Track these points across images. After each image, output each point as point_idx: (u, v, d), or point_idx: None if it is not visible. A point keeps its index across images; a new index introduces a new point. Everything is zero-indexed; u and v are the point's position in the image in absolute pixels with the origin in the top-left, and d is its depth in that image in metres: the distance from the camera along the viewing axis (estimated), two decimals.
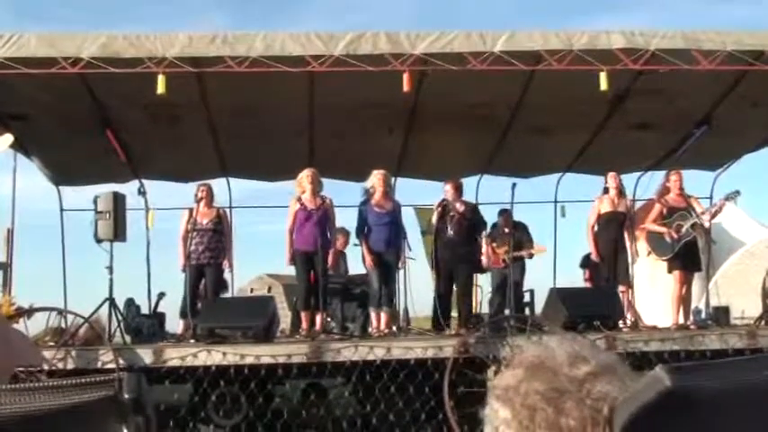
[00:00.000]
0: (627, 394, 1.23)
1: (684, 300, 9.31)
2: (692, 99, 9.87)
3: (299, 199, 8.87)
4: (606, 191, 9.75)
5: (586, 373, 1.26)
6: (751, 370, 1.29)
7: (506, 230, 10.79)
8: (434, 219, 9.21)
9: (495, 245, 10.86)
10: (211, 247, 9.28)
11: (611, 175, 9.71)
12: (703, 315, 10.10)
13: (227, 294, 10.76)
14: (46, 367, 7.10)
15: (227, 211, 10.54)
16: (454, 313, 9.56)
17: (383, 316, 8.90)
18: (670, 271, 9.31)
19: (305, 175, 8.89)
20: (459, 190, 9.46)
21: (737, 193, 9.45)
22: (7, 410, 1.08)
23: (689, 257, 9.29)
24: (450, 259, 9.11)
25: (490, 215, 12.68)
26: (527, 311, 10.72)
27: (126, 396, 1.13)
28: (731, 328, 9.04)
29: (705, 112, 10.33)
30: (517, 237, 10.65)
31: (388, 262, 8.99)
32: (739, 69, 8.71)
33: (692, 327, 8.87)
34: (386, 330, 8.76)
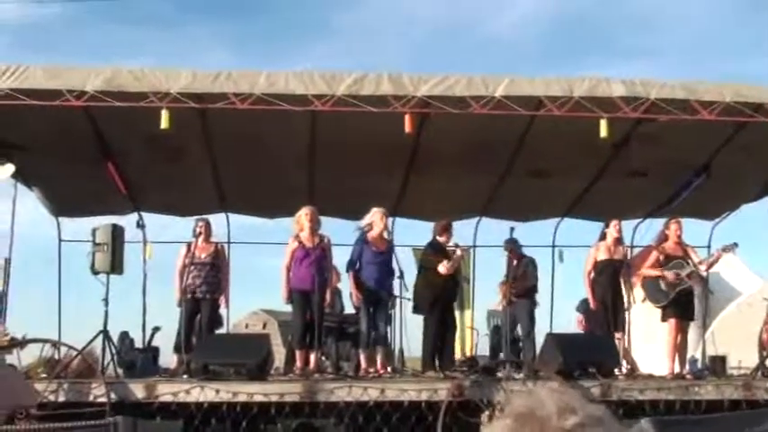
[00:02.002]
0: None
1: (679, 348, 9.27)
2: (692, 148, 9.93)
3: (298, 237, 8.89)
4: (603, 236, 9.76)
5: (574, 425, 1.27)
6: (734, 426, 1.31)
7: (514, 263, 10.23)
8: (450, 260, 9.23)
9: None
10: (208, 281, 9.28)
11: (613, 223, 9.73)
12: (699, 365, 10.06)
13: (222, 330, 10.71)
14: (38, 400, 7.05)
15: (225, 246, 10.55)
16: None
17: (378, 357, 8.87)
18: (664, 319, 9.29)
19: (303, 214, 8.91)
20: None
21: (735, 245, 9.49)
22: None
23: (683, 306, 9.27)
24: (449, 299, 9.18)
25: (487, 257, 12.74)
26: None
27: None
28: (727, 378, 8.99)
29: (704, 161, 10.39)
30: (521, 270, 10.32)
31: (379, 301, 8.98)
32: (738, 121, 8.78)
33: (687, 376, 8.83)
34: (381, 371, 8.72)
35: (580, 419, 1.28)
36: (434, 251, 9.48)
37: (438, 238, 9.53)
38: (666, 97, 8.30)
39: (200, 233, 9.29)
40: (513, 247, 10.16)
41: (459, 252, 9.29)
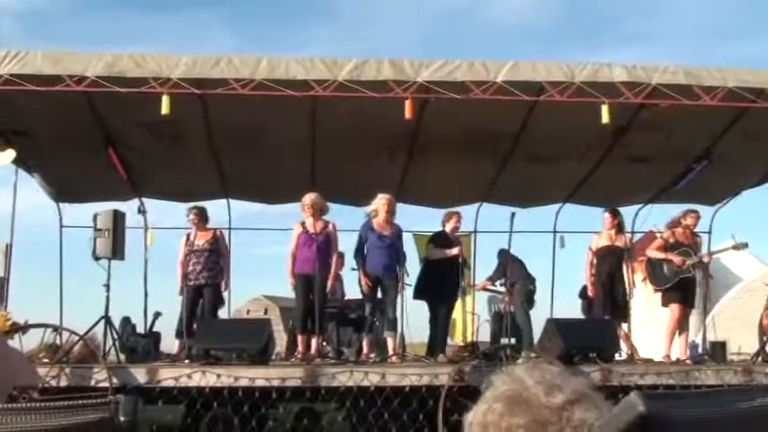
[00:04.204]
0: (603, 420, 1.24)
1: (677, 334, 9.27)
2: (693, 133, 9.91)
3: (303, 223, 8.90)
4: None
5: (564, 402, 1.27)
6: (722, 401, 1.31)
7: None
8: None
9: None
10: (209, 267, 9.29)
11: (605, 216, 9.78)
12: (700, 350, 10.08)
13: (224, 314, 10.73)
14: (39, 384, 7.07)
15: (226, 232, 10.55)
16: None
17: (389, 342, 8.89)
18: (665, 304, 9.32)
19: (308, 199, 8.90)
20: None
21: (745, 245, 9.54)
22: (7, 430, 1.09)
23: (685, 293, 9.28)
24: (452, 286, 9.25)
25: (489, 244, 12.74)
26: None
27: (122, 419, 1.14)
28: (727, 363, 9.01)
29: (705, 147, 10.35)
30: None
31: (386, 286, 8.99)
32: (740, 106, 8.75)
33: (687, 361, 8.85)
34: (393, 356, 8.73)
35: (567, 396, 1.28)
36: (435, 240, 9.58)
37: (444, 226, 9.67)
38: (668, 82, 8.27)
39: (193, 222, 9.32)
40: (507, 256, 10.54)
41: (455, 251, 9.35)
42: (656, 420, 1.20)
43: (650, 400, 1.21)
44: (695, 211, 9.68)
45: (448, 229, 9.68)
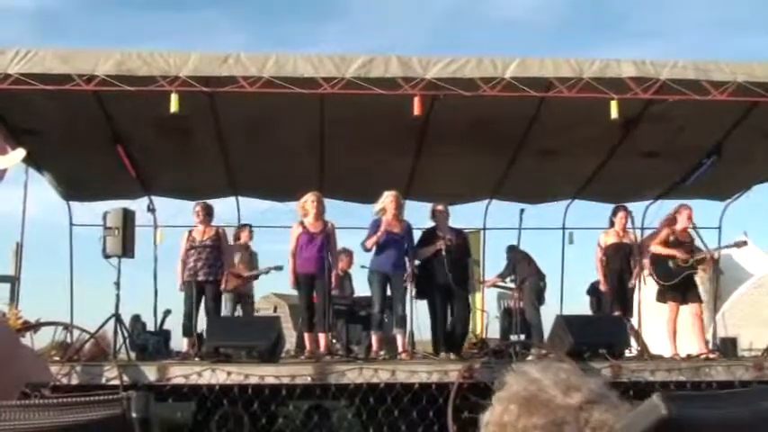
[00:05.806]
0: (624, 422, 1.23)
1: (676, 331, 9.22)
2: (703, 128, 9.86)
3: (302, 222, 8.91)
4: (612, 224, 9.80)
5: (581, 402, 1.26)
6: (746, 402, 1.30)
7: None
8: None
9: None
10: (209, 263, 9.29)
11: (620, 215, 9.77)
12: (710, 346, 10.04)
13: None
14: (52, 382, 7.11)
15: (231, 230, 10.57)
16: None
17: (399, 339, 8.87)
18: (662, 300, 9.28)
19: (309, 199, 8.93)
20: None
21: (745, 243, 9.51)
22: (17, 427, 1.09)
23: (684, 290, 9.23)
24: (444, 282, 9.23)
25: (498, 241, 12.75)
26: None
27: (134, 415, 1.14)
28: (738, 359, 8.98)
29: (715, 142, 10.31)
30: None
31: (395, 283, 8.98)
32: (750, 101, 8.71)
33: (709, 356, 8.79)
34: (403, 353, 8.70)
35: (585, 396, 1.27)
36: (421, 241, 9.53)
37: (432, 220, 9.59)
38: (677, 77, 8.24)
39: (198, 215, 9.33)
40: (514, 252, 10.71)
41: (438, 245, 9.20)
42: (679, 422, 1.19)
43: (672, 401, 1.20)
44: (687, 207, 9.59)
45: (436, 218, 9.52)
